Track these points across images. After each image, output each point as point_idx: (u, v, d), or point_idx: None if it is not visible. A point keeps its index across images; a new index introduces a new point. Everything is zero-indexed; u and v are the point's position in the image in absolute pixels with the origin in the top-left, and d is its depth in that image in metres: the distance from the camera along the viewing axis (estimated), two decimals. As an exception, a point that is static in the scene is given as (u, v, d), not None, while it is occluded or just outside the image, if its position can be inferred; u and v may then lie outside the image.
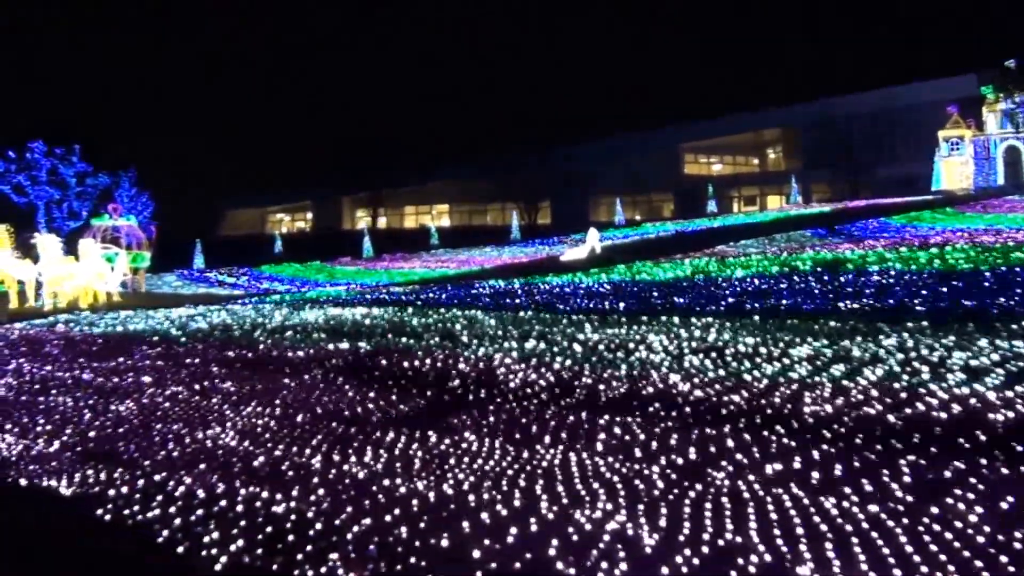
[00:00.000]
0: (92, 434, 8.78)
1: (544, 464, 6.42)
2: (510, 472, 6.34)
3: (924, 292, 12.93)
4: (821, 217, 45.87)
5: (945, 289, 12.92)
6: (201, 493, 6.68)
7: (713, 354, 9.48)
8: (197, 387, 10.29)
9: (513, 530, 5.31)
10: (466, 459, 6.70)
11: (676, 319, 12.34)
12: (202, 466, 7.37)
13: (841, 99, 64.56)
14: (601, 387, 8.43)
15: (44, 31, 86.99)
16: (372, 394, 9.04)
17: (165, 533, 6.01)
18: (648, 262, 26.65)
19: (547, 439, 6.97)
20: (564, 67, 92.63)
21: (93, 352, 14.01)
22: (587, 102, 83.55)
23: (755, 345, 9.83)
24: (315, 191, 78.00)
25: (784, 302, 13.11)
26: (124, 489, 7.00)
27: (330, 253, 48.39)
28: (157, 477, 7.21)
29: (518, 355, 10.28)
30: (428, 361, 10.45)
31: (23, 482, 7.58)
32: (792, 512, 5.21)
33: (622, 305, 14.57)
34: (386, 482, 6.45)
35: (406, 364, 10.39)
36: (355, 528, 5.66)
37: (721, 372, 8.75)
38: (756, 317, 12.03)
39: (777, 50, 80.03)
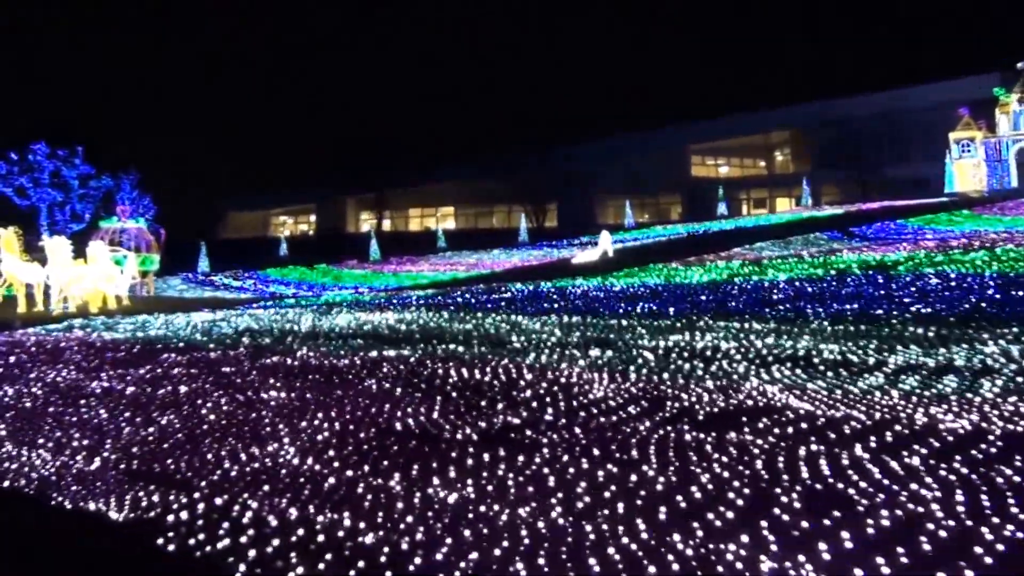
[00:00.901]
0: (136, 450, 8.09)
1: (661, 490, 5.75)
2: (627, 499, 5.66)
3: (997, 295, 12.29)
4: (835, 219, 45.33)
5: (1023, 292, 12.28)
6: (273, 520, 6.01)
7: (802, 363, 8.82)
8: (242, 398, 9.60)
9: (652, 569, 4.64)
10: (570, 483, 6.01)
11: (738, 324, 11.68)
12: (267, 488, 6.69)
13: (850, 100, 64.10)
14: (693, 399, 7.76)
15: (44, 31, 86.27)
16: (439, 407, 8.35)
17: (242, 568, 5.34)
18: (676, 265, 25.99)
19: (656, 460, 6.29)
20: (571, 68, 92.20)
21: (119, 359, 13.32)
22: (594, 103, 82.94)
23: (843, 352, 9.17)
24: (319, 192, 77.28)
25: (848, 306, 12.45)
26: (184, 515, 6.32)
27: (335, 256, 47.69)
28: (219, 501, 6.52)
29: (587, 363, 9.60)
30: (488, 370, 9.77)
31: (67, 505, 6.90)
32: (971, 546, 4.55)
33: (671, 309, 13.92)
34: (483, 508, 5.77)
35: (465, 373, 9.70)
36: (462, 563, 5.00)
37: (822, 383, 8.08)
38: (823, 322, 11.38)
39: (786, 51, 79.56)
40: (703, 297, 15.20)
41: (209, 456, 7.63)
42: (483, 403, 8.29)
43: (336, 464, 7.05)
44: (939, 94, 61.12)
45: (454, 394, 8.75)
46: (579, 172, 68.01)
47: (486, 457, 6.73)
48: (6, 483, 7.61)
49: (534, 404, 8.09)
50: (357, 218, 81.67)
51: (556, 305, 16.19)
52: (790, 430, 6.60)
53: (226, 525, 6.04)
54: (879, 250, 22.06)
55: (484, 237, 57.18)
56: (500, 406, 8.11)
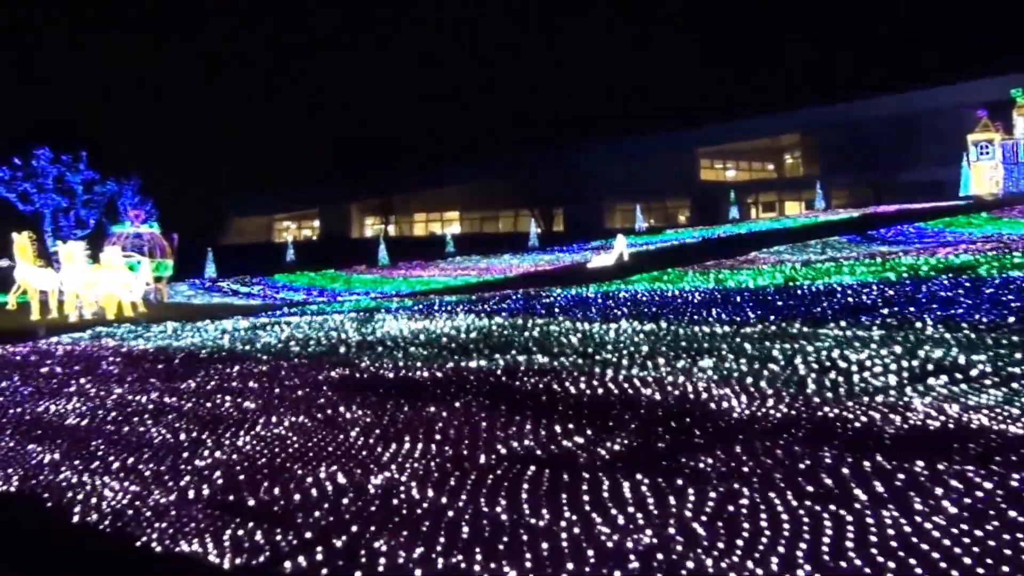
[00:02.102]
0: (218, 478, 7.13)
1: (890, 531, 4.81)
2: (843, 543, 4.73)
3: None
4: (851, 223, 44.58)
5: None
6: (415, 569, 5.06)
7: (958, 375, 7.91)
8: (321, 416, 8.65)
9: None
10: (768, 523, 5.07)
11: (841, 331, 10.78)
12: (388, 525, 5.74)
13: (862, 103, 63.36)
14: (863, 418, 6.83)
15: (43, 31, 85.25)
16: (559, 426, 7.41)
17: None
18: (720, 269, 25.12)
19: (865, 495, 5.34)
20: (579, 71, 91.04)
21: (163, 370, 12.35)
22: (602, 107, 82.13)
23: (995, 362, 8.27)
24: (323, 197, 76.20)
25: (954, 311, 11.56)
26: (302, 560, 5.38)
27: (340, 261, 46.71)
28: (338, 542, 5.58)
29: (707, 375, 8.67)
30: (595, 384, 8.83)
31: (157, 548, 5.94)
32: None
33: (750, 314, 13.02)
34: (661, 556, 4.81)
35: (570, 387, 8.77)
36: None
37: (985, 398, 7.18)
38: (937, 327, 10.49)
39: (796, 53, 78.87)
40: (779, 302, 14.30)
41: (308, 486, 6.68)
42: (610, 422, 7.35)
43: (462, 495, 6.11)
44: (951, 96, 60.54)
45: (569, 411, 7.81)
46: (587, 176, 67.20)
47: (644, 488, 5.80)
48: (76, 518, 6.66)
49: (671, 423, 7.16)
50: (362, 223, 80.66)
51: (619, 311, 15.27)
52: (1013, 458, 5.68)
53: (358, 575, 5.11)
54: (940, 252, 21.21)
55: (492, 241, 56.31)
56: (633, 426, 7.17)
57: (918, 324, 10.94)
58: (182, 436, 8.51)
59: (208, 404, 9.77)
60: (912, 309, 12.10)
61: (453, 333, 13.55)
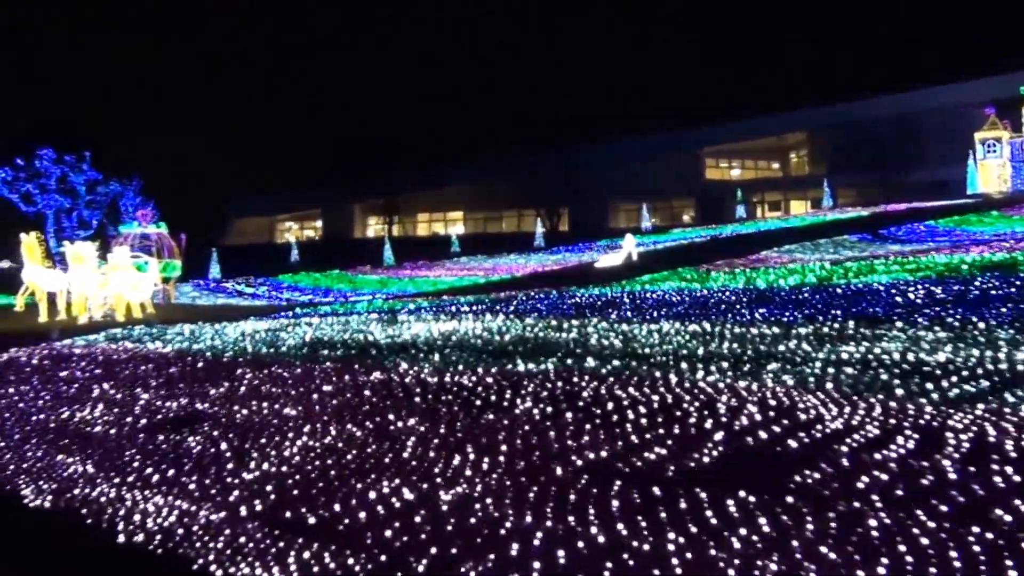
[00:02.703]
0: (270, 492, 6.63)
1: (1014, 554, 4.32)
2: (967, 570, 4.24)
3: None
4: (860, 221, 44.14)
5: None
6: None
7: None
8: (371, 425, 8.14)
9: None
10: (881, 543, 4.58)
11: (909, 331, 10.29)
12: (472, 548, 5.25)
13: (868, 102, 62.86)
14: (958, 426, 6.33)
15: (43, 31, 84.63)
16: (630, 436, 6.90)
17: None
18: (734, 268, 24.64)
19: (979, 510, 4.86)
20: (583, 71, 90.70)
21: (186, 374, 11.83)
22: (606, 107, 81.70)
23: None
24: (325, 197, 75.58)
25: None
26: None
27: (344, 262, 46.16)
28: (421, 567, 5.08)
29: (789, 380, 8.16)
30: (661, 389, 8.32)
31: (217, 572, 5.43)
32: None
33: (798, 315, 12.52)
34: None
35: (633, 392, 8.26)
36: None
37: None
38: (1008, 329, 10.00)
39: (801, 52, 78.49)
40: (820, 302, 13.80)
41: (372, 502, 6.18)
42: (690, 432, 6.85)
43: (548, 514, 5.61)
44: (956, 95, 60.07)
45: (641, 420, 7.30)
46: (590, 176, 66.70)
47: (753, 506, 5.29)
48: (121, 537, 6.15)
49: (760, 433, 6.66)
50: (364, 223, 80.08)
51: (656, 313, 14.78)
52: None
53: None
54: (975, 250, 20.75)
55: (496, 241, 55.78)
56: (717, 436, 6.67)
57: (981, 324, 10.45)
58: (223, 446, 8.00)
59: (244, 411, 9.25)
60: (962, 309, 11.62)
61: (487, 335, 13.05)
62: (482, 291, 27.54)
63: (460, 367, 10.31)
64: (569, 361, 10.12)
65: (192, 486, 7.00)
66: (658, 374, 8.87)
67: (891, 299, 13.27)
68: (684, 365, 9.34)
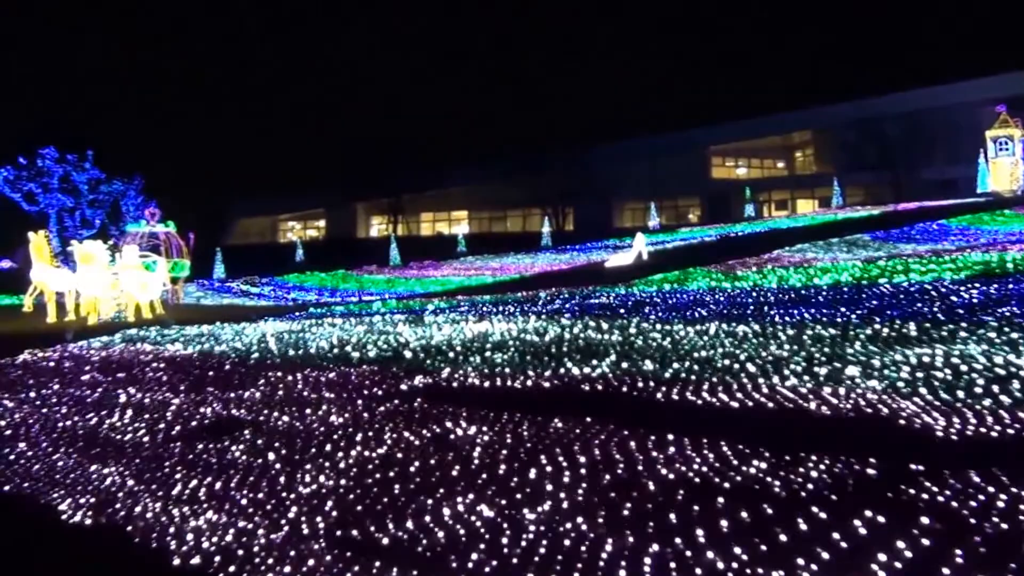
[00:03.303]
0: (331, 509, 6.09)
1: None
2: None
3: None
4: (872, 220, 43.64)
5: None
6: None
7: None
8: (427, 434, 7.60)
9: None
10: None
11: (977, 332, 9.78)
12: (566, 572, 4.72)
13: (876, 100, 62.29)
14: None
15: (46, 29, 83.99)
16: (721, 447, 6.37)
17: None
18: (747, 269, 24.12)
19: None
20: (588, 69, 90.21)
21: (214, 378, 11.29)
22: (610, 105, 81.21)
23: None
24: (329, 197, 74.94)
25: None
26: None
27: (347, 261, 45.61)
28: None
29: (878, 385, 7.62)
30: (738, 394, 7.80)
31: (289, 599, 4.90)
32: None
33: (852, 314, 12.00)
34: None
35: (710, 399, 7.73)
36: None
37: None
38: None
39: (809, 50, 78.02)
40: (867, 302, 13.29)
41: (448, 520, 5.64)
42: (787, 442, 6.31)
43: (651, 534, 5.07)
44: (963, 94, 59.58)
45: (728, 428, 6.77)
46: (596, 175, 66.15)
47: (884, 525, 4.77)
48: (176, 560, 5.62)
49: (862, 442, 6.13)
50: (367, 223, 79.53)
51: (696, 313, 14.25)
52: None
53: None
54: (1012, 248, 20.23)
55: (502, 241, 55.23)
56: (819, 447, 6.13)
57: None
58: (271, 456, 7.47)
59: (286, 417, 8.72)
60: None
61: (526, 336, 12.52)
62: (493, 291, 27.01)
63: (510, 370, 9.79)
64: (625, 364, 9.60)
65: (244, 501, 6.47)
66: (728, 378, 8.34)
67: (946, 299, 12.75)
68: (751, 368, 8.82)
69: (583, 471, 6.21)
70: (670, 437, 6.63)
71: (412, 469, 6.72)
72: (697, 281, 21.91)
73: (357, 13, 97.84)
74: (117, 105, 76.29)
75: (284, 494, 6.51)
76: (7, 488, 7.41)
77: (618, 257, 39.02)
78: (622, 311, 15.21)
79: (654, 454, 6.38)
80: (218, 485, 6.88)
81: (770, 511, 5.15)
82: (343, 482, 6.61)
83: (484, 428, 7.50)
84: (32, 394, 11.17)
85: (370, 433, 7.76)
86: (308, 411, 8.82)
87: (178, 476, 7.25)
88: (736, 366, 9.04)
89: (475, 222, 76.08)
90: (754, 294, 16.51)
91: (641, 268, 33.54)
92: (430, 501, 6.01)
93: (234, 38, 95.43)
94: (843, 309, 12.76)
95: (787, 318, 12.41)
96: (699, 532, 4.95)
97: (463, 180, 71.50)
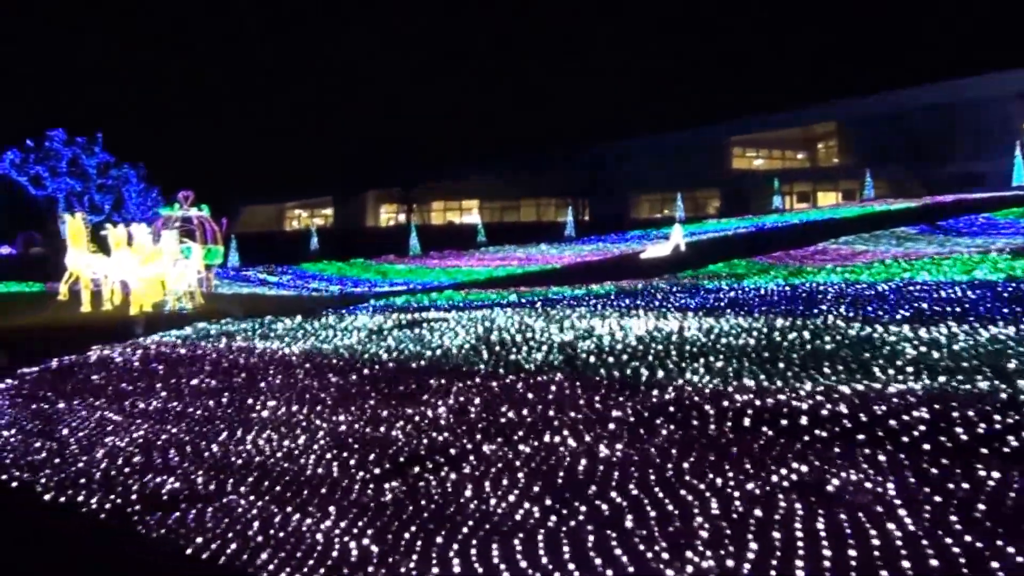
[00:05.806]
0: (470, 534, 4.53)
1: None
2: None
3: None
4: (913, 213, 42.42)
5: None
6: None
7: None
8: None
9: None
10: None
11: None
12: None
13: (901, 92, 61.08)
14: None
15: (56, 17, 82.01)
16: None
17: None
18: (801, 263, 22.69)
19: None
20: (606, 59, 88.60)
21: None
22: (627, 95, 79.95)
23: None
24: (337, 185, 73.17)
25: None
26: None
27: (362, 251, 43.95)
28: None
29: None
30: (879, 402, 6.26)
31: None
32: None
33: (969, 314, 10.59)
34: None
35: (834, 407, 6.19)
36: None
37: None
38: None
39: (836, 41, 76.75)
40: (979, 302, 11.86)
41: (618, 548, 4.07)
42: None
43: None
44: (994, 86, 58.38)
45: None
46: (613, 165, 64.87)
47: None
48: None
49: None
50: (377, 212, 77.76)
51: (771, 311, 12.68)
52: None
53: None
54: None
55: (523, 231, 53.81)
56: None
57: None
58: (389, 475, 5.78)
59: (376, 427, 7.04)
60: None
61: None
62: (544, 282, 25.59)
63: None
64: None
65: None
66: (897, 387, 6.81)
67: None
68: (908, 370, 7.29)
69: (749, 487, 4.63)
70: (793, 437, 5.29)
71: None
72: (757, 277, 20.30)
73: (369, 4, 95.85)
74: (117, 104, 74.39)
75: (428, 520, 4.84)
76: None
77: (655, 248, 37.89)
78: (711, 307, 13.56)
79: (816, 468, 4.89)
80: (348, 513, 5.20)
81: None
82: (462, 497, 4.93)
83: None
84: (126, 403, 9.32)
85: (478, 444, 6.10)
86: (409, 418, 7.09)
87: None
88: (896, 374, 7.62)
89: (487, 211, 74.43)
90: (837, 291, 14.96)
91: (679, 261, 32.19)
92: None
93: (246, 23, 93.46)
94: (953, 307, 11.48)
95: (896, 317, 11.01)
96: None
97: (481, 171, 69.92)
